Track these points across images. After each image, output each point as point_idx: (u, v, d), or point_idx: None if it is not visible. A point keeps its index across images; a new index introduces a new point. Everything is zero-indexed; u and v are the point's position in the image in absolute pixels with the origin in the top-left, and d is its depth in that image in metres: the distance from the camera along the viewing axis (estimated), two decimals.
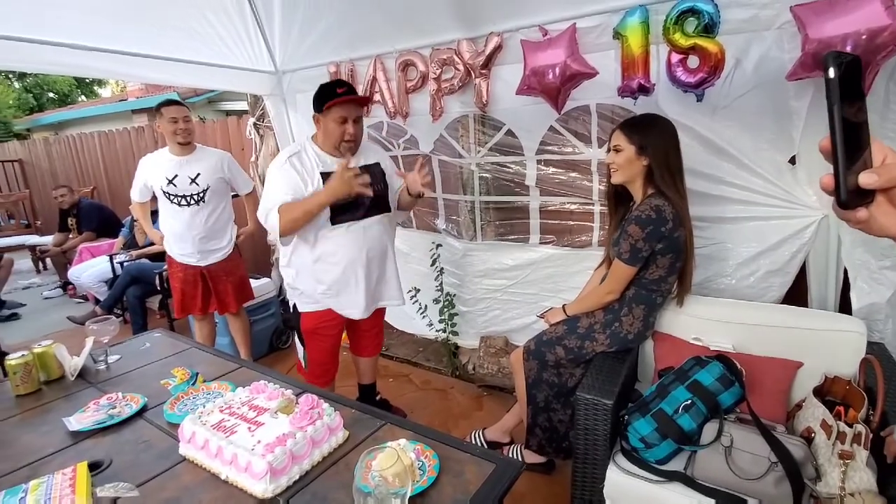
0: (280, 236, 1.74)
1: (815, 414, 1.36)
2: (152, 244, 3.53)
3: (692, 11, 1.59)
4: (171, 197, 2.49)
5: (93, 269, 4.03)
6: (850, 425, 1.21)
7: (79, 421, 1.23)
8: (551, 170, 2.35)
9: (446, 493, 0.95)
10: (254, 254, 3.93)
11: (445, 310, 2.84)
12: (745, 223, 1.85)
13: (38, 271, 5.88)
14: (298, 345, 2.03)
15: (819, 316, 1.66)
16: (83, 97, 16.80)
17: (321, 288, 1.88)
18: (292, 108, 3.03)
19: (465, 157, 2.55)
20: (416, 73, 2.35)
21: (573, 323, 1.79)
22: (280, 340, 3.40)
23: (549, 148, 2.29)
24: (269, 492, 0.94)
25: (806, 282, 1.81)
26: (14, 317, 4.37)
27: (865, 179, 0.45)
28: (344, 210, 1.82)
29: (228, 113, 7.56)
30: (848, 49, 1.36)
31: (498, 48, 2.06)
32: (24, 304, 4.60)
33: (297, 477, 1.00)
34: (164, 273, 3.05)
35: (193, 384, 1.42)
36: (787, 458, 1.23)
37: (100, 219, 4.86)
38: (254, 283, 3.07)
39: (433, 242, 2.82)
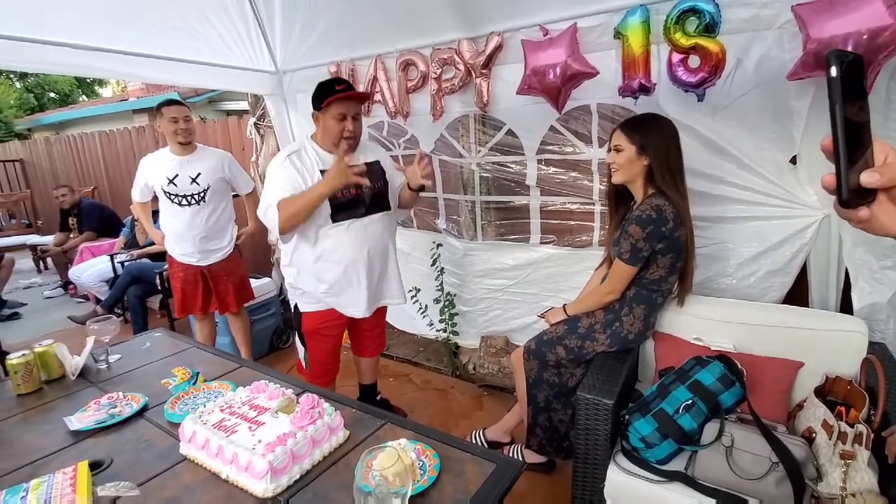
0: (280, 233, 1.74)
1: (816, 414, 1.36)
2: (153, 244, 3.53)
3: (693, 11, 1.59)
4: (172, 197, 2.50)
5: (93, 268, 4.04)
6: (852, 425, 1.21)
7: (80, 420, 1.23)
8: (552, 169, 2.35)
9: (447, 493, 0.95)
10: (254, 253, 3.93)
11: (446, 309, 2.84)
12: (746, 223, 1.85)
13: (39, 271, 5.89)
14: (299, 345, 2.03)
15: (820, 316, 1.65)
16: (84, 97, 16.83)
17: (323, 287, 1.88)
18: (293, 108, 3.04)
19: (465, 156, 2.55)
20: (416, 72, 2.35)
21: (574, 323, 1.79)
22: (280, 340, 3.40)
23: (550, 148, 2.29)
24: (269, 491, 0.94)
25: (807, 282, 1.81)
26: (15, 316, 4.38)
27: (867, 178, 0.45)
28: (344, 207, 1.82)
29: (229, 113, 7.57)
30: (849, 48, 1.36)
31: (498, 48, 2.06)
32: (25, 304, 4.61)
33: (297, 476, 1.00)
34: (164, 273, 3.06)
35: (194, 384, 1.42)
36: (788, 458, 1.22)
37: (100, 218, 4.86)
38: (254, 282, 3.07)
39: (434, 242, 2.82)
